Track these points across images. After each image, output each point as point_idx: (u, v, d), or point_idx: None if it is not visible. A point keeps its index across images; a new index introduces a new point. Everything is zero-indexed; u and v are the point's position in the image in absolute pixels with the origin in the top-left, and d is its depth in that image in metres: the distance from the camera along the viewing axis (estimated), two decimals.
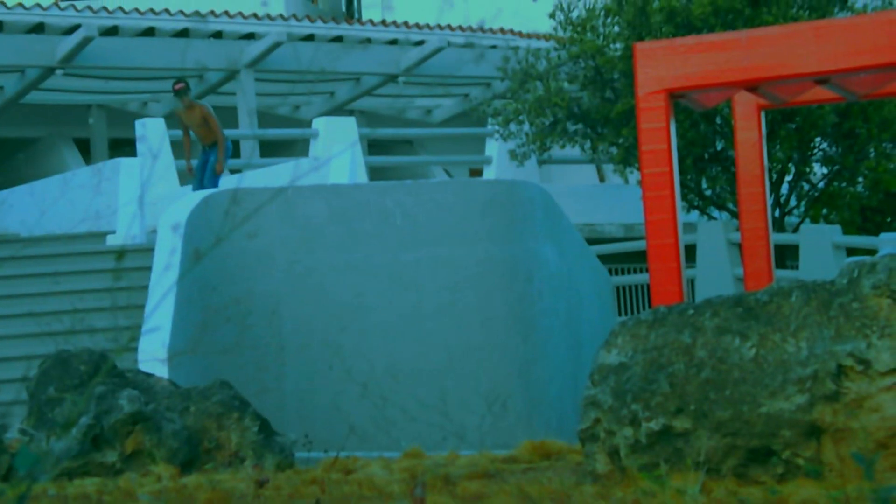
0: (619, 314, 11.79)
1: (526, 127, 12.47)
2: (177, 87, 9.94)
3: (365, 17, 19.19)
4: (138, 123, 11.05)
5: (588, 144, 12.52)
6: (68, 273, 9.06)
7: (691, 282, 10.97)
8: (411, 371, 7.93)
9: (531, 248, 7.86)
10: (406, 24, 15.78)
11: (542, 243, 8.54)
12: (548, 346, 8.74)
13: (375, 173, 13.70)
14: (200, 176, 10.00)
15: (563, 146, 12.68)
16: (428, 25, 15.82)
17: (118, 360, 5.16)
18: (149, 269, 8.00)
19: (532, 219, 8.61)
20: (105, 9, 14.51)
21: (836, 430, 3.61)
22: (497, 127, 12.78)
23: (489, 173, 13.37)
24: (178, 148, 11.12)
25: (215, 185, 9.81)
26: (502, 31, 16.19)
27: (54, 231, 10.28)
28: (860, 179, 12.37)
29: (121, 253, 9.06)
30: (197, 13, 14.33)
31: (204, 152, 10.16)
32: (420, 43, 15.38)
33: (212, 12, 14.71)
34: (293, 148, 15.21)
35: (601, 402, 4.01)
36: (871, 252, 9.98)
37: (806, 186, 12.36)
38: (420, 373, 7.90)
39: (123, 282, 8.21)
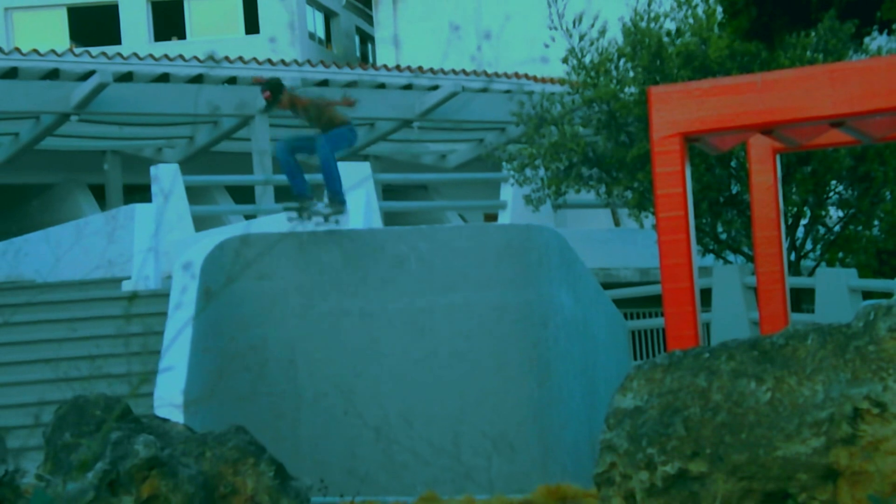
0: (635, 358, 11.74)
1: (541, 172, 12.53)
2: (265, 95, 8.05)
3: (379, 57, 19.37)
4: (153, 169, 11.16)
5: (603, 189, 12.55)
6: (83, 319, 9.10)
7: (707, 326, 10.92)
8: (426, 417, 7.90)
9: (546, 293, 7.86)
10: (420, 68, 15.95)
11: (557, 288, 8.54)
12: (563, 390, 8.70)
13: (390, 218, 13.77)
14: (300, 143, 8.08)
15: (578, 191, 12.72)
16: (442, 70, 15.99)
17: (134, 405, 5.18)
18: (164, 314, 8.04)
19: (547, 264, 8.62)
20: (119, 55, 14.73)
21: (853, 472, 3.58)
22: (512, 172, 12.84)
23: (504, 218, 13.41)
24: (192, 193, 11.19)
25: (330, 150, 7.98)
26: (517, 75, 16.34)
27: (68, 278, 10.34)
28: (876, 223, 12.34)
29: (132, 296, 9.10)
30: (211, 59, 14.52)
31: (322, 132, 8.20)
32: (434, 88, 15.53)
33: (226, 58, 14.91)
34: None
35: (617, 446, 3.99)
36: (888, 295, 9.93)
37: (822, 230, 12.33)
38: (435, 418, 7.87)
39: (138, 327, 8.25)
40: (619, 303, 10.35)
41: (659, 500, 3.82)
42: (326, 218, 8.00)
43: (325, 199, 7.88)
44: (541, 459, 8.08)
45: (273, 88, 8.03)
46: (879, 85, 6.68)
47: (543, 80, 15.77)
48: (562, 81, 13.18)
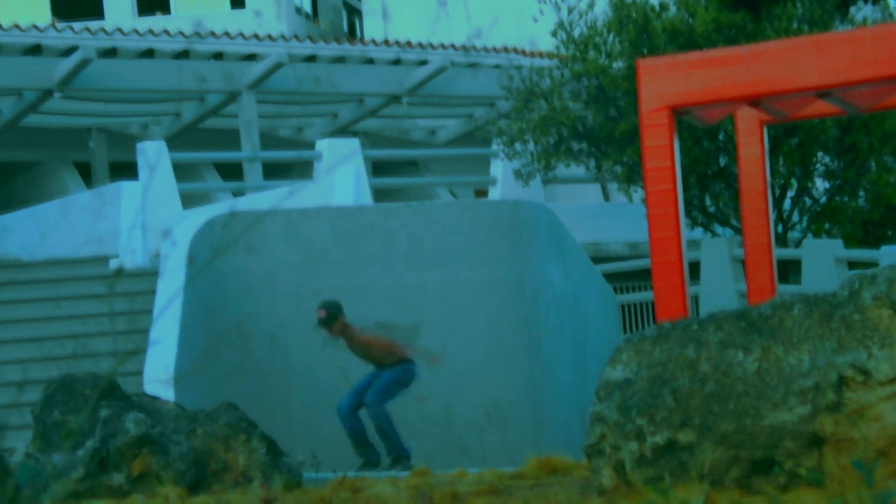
0: (624, 331, 11.78)
1: (531, 146, 12.51)
2: (319, 314, 6.96)
3: (367, 30, 19.26)
4: (140, 146, 11.09)
5: (593, 163, 12.55)
6: (70, 297, 9.08)
7: (695, 298, 10.97)
8: (419, 391, 7.92)
9: (537, 269, 7.88)
10: (409, 43, 15.86)
11: (547, 263, 8.56)
12: (554, 364, 8.74)
13: (380, 195, 13.74)
14: (366, 386, 7.02)
15: (567, 165, 12.71)
16: (431, 45, 15.90)
17: (123, 383, 5.19)
18: (152, 293, 8.02)
19: (537, 239, 8.64)
20: (103, 30, 14.56)
21: (838, 439, 3.62)
22: (502, 147, 12.82)
23: (494, 193, 13.40)
24: (179, 170, 11.12)
25: (382, 399, 6.99)
26: (506, 49, 16.27)
27: (55, 255, 10.29)
28: (861, 193, 12.39)
29: (117, 272, 9.06)
30: (197, 34, 14.39)
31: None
32: (423, 62, 15.45)
33: (212, 33, 14.77)
34: (297, 170, 15.26)
35: (607, 418, 4.02)
36: (873, 265, 9.98)
37: (808, 201, 12.38)
38: (427, 393, 7.90)
39: (125, 304, 8.24)
40: (609, 277, 10.38)
41: (648, 470, 3.86)
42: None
43: (388, 459, 6.93)
44: (532, 432, 8.13)
45: (329, 309, 6.97)
46: (865, 55, 6.69)
47: (532, 55, 15.71)
48: (551, 56, 13.13)
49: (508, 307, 8.61)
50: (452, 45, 16.16)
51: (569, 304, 8.94)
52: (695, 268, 10.69)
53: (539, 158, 12.45)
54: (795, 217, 12.36)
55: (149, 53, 14.54)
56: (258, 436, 5.02)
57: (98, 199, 10.71)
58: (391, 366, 7.00)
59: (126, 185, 10.49)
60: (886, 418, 3.58)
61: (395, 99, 15.53)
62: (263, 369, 7.85)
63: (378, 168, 16.07)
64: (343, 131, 15.78)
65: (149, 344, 7.24)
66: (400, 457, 6.89)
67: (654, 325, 4.16)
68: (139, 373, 7.19)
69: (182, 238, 7.83)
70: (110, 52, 14.27)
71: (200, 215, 8.73)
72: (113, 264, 9.75)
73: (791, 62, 6.94)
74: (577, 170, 13.29)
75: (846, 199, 12.33)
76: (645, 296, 12.24)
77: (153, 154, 10.81)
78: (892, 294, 3.75)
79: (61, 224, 10.68)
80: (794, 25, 11.23)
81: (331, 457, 6.35)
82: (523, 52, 16.02)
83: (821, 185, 12.51)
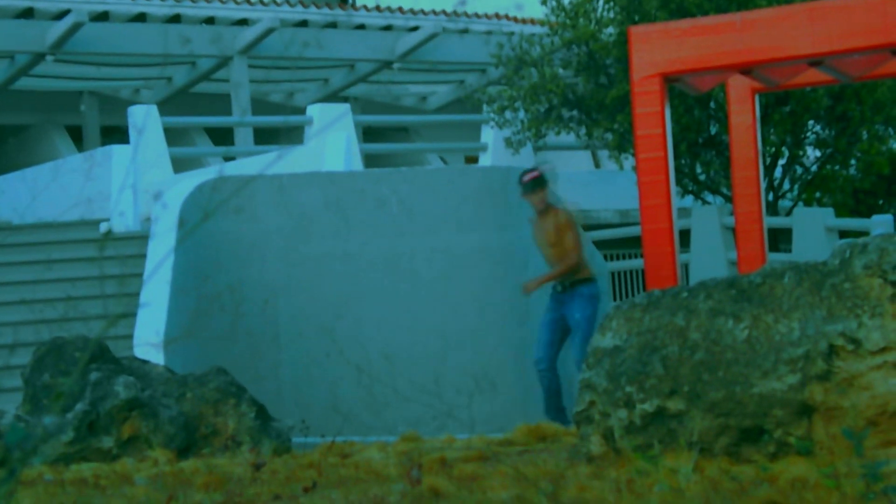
0: (615, 299, 11.82)
1: (521, 114, 12.47)
2: (526, 177, 6.43)
3: (359, 3, 19.13)
4: (130, 110, 11.02)
5: (583, 130, 12.52)
6: (61, 261, 9.05)
7: (685, 266, 11.00)
8: (407, 357, 7.96)
9: (527, 235, 7.87)
10: (400, 9, 15.74)
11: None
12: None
13: (371, 161, 13.70)
14: (554, 332, 6.09)
15: (558, 133, 12.68)
16: (422, 11, 15.79)
17: (114, 347, 5.18)
18: (143, 256, 7.99)
19: (528, 205, 8.62)
20: None
21: (827, 408, 3.64)
22: (492, 114, 12.77)
23: (485, 160, 13.38)
24: (170, 135, 11.07)
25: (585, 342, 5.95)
26: (497, 16, 16.16)
27: (45, 217, 10.25)
28: (853, 162, 12.40)
29: (106, 235, 9.03)
30: None
31: (561, 291, 6.23)
32: (414, 28, 15.35)
33: None
34: (288, 135, 15.18)
35: (596, 385, 4.04)
36: (864, 234, 10.01)
37: (799, 170, 12.39)
38: (416, 359, 7.93)
39: (116, 268, 8.22)
40: (599, 244, 10.39)
41: (637, 437, 3.88)
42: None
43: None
44: (521, 399, 8.17)
45: (543, 174, 6.52)
46: (857, 23, 6.66)
47: (523, 21, 15.61)
48: (542, 23, 13.04)
49: (498, 273, 8.61)
50: (444, 12, 16.04)
51: None
52: (685, 236, 10.70)
53: (529, 126, 12.41)
54: (786, 185, 12.38)
55: (141, 17, 14.41)
56: (247, 400, 5.03)
57: (88, 161, 10.66)
58: (585, 281, 6.12)
59: (116, 149, 10.44)
60: (876, 387, 3.60)
61: (387, 65, 15.44)
62: (254, 334, 7.86)
63: (369, 134, 16.00)
64: (334, 97, 15.69)
65: (139, 307, 7.23)
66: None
67: (644, 293, 4.16)
68: (129, 336, 7.19)
69: (173, 201, 7.80)
70: (102, 16, 14.14)
71: (191, 179, 8.69)
72: (104, 227, 9.72)
73: (783, 30, 6.91)
74: (568, 137, 13.26)
75: (837, 167, 12.35)
76: (635, 263, 12.27)
77: (144, 118, 10.75)
78: (882, 263, 3.76)
79: (51, 185, 10.63)
80: None
81: (319, 422, 6.37)
82: (514, 19, 15.91)
83: (812, 153, 12.52)
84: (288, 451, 5.01)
